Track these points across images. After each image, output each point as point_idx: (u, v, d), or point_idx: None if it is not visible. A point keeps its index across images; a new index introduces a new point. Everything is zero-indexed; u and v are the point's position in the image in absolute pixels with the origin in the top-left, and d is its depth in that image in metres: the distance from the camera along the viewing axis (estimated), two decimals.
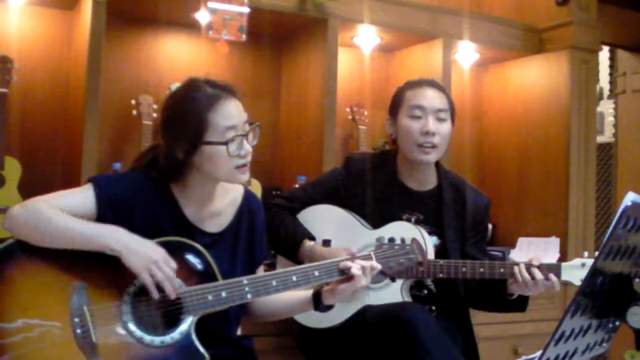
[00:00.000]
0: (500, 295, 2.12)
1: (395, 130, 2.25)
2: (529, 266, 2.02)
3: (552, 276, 2.01)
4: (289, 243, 2.19)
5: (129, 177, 1.77)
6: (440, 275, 2.07)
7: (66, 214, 1.60)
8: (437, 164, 2.31)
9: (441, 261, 2.08)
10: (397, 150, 2.29)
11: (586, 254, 2.09)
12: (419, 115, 2.19)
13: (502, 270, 2.05)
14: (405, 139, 2.20)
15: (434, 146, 2.18)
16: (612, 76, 4.82)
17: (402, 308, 2.01)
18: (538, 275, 2.00)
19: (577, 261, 2.04)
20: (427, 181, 2.28)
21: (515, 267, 2.02)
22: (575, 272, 2.03)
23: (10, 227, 1.59)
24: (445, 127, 2.21)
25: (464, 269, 2.06)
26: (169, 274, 1.58)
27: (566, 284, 3.25)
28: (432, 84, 2.26)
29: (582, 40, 3.39)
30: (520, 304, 2.14)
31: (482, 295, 2.22)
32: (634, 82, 4.41)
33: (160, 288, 1.58)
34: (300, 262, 2.17)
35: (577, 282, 2.02)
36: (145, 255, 1.56)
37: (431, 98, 2.21)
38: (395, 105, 2.26)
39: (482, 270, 2.06)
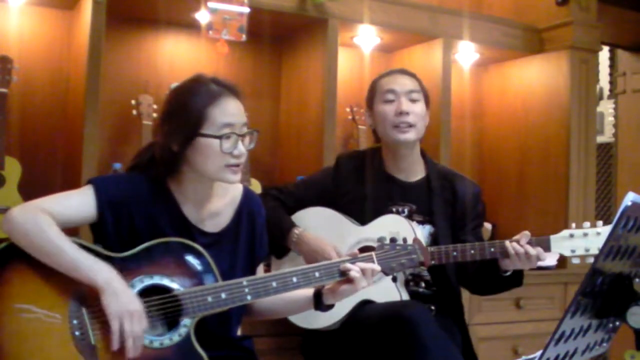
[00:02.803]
0: (495, 274, 2.13)
1: (374, 120, 2.32)
2: (518, 242, 2.04)
3: (538, 248, 2.03)
4: (277, 230, 2.21)
5: (128, 178, 1.77)
6: (432, 262, 2.08)
7: (66, 237, 1.58)
8: (424, 154, 2.34)
9: (431, 248, 2.09)
10: (382, 144, 2.33)
11: (574, 225, 2.09)
12: (392, 99, 2.26)
13: (492, 249, 2.06)
14: (382, 123, 2.27)
15: (410, 125, 2.23)
16: (612, 76, 4.82)
17: (402, 306, 2.02)
18: (531, 250, 2.02)
19: (565, 232, 2.05)
20: (415, 171, 2.32)
21: (507, 243, 2.03)
22: (565, 243, 2.04)
23: (8, 230, 1.58)
24: (419, 106, 2.27)
25: (454, 253, 2.08)
26: (137, 331, 1.54)
27: (566, 284, 3.27)
28: (401, 70, 2.36)
29: (582, 40, 3.39)
30: (516, 279, 2.15)
31: (479, 278, 2.23)
32: (634, 82, 4.40)
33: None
34: (284, 248, 2.23)
35: (568, 252, 2.04)
36: (123, 304, 1.53)
37: (402, 82, 2.29)
38: (371, 96, 2.34)
39: (472, 252, 2.07)
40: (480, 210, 2.36)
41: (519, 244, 2.03)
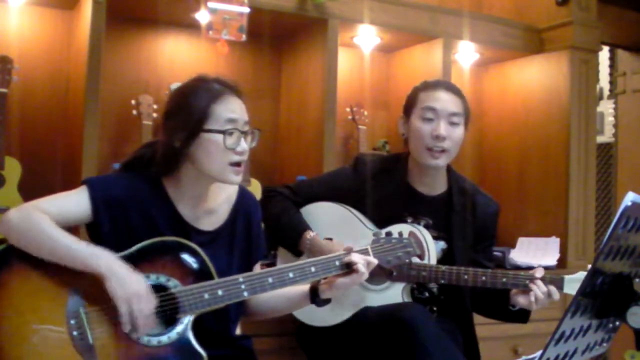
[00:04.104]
0: (503, 305, 2.11)
1: (408, 131, 2.23)
2: (532, 278, 2.00)
3: (551, 287, 1.99)
4: (291, 232, 2.19)
5: (123, 178, 1.77)
6: (442, 281, 2.07)
7: (61, 229, 1.59)
8: (449, 168, 2.28)
9: (443, 267, 2.06)
10: (409, 153, 2.26)
11: (589, 266, 2.07)
12: (431, 118, 2.16)
13: (504, 280, 2.03)
14: (416, 141, 2.18)
15: (443, 150, 2.15)
16: (612, 76, 4.82)
17: (402, 308, 2.01)
18: (555, 295, 1.98)
19: (580, 274, 2.00)
20: (437, 185, 2.26)
21: (533, 285, 1.98)
22: (578, 285, 2.00)
23: (6, 231, 1.59)
24: (458, 132, 2.18)
25: (465, 277, 2.04)
26: (146, 311, 1.56)
27: None
28: (448, 86, 2.22)
29: (582, 40, 3.39)
30: (521, 315, 2.13)
31: (484, 302, 2.21)
32: (634, 82, 4.41)
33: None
34: (300, 252, 2.19)
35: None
36: (129, 286, 1.54)
37: (445, 101, 2.17)
38: (409, 105, 2.23)
39: (484, 278, 2.04)
40: (495, 230, 2.32)
41: (538, 286, 1.97)
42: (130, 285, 1.55)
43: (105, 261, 1.56)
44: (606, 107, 4.77)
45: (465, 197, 2.26)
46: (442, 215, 2.23)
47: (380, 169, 2.27)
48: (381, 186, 2.24)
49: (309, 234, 2.17)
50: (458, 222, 2.22)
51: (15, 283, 1.56)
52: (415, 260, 2.02)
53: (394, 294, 2.11)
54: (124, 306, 1.54)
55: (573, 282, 2.00)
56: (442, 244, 2.22)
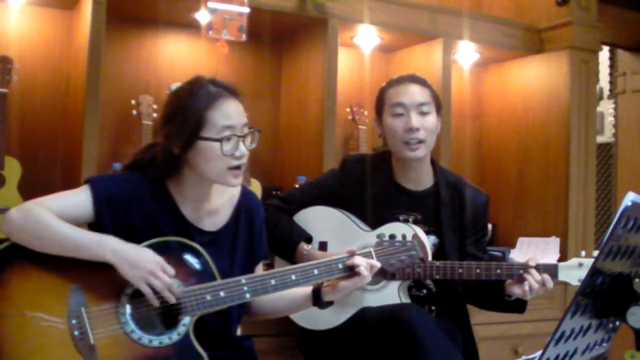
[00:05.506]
0: (499, 296, 2.12)
1: (382, 130, 2.25)
2: (525, 267, 2.01)
3: (545, 276, 2.01)
4: (285, 244, 2.19)
5: (126, 177, 1.77)
6: (437, 276, 2.07)
7: (64, 221, 1.59)
8: (434, 163, 2.30)
9: (437, 263, 2.07)
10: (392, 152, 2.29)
11: (583, 253, 2.08)
12: (401, 113, 2.19)
13: (498, 271, 2.04)
14: (392, 138, 2.21)
15: (420, 141, 2.17)
16: (612, 76, 4.82)
17: (400, 309, 2.01)
18: (549, 284, 2.00)
19: (574, 261, 2.03)
20: (424, 180, 2.27)
21: (527, 275, 2.00)
22: (573, 272, 2.03)
23: (8, 230, 1.59)
24: (430, 120, 2.20)
25: (460, 271, 2.05)
26: (166, 282, 1.58)
27: (566, 284, 3.26)
28: (412, 79, 2.24)
29: (582, 40, 3.39)
30: (519, 305, 2.14)
31: (481, 295, 2.21)
32: (634, 82, 4.41)
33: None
34: (295, 264, 2.18)
35: (575, 282, 2.02)
36: (141, 266, 1.56)
37: (411, 93, 2.20)
38: (379, 105, 2.26)
39: (478, 271, 2.05)
40: (486, 221, 2.33)
41: (532, 275, 1.99)
42: (142, 264, 1.56)
43: (110, 247, 1.57)
44: (606, 107, 4.78)
45: (453, 190, 2.27)
46: (431, 210, 2.24)
47: (367, 168, 2.28)
48: (370, 185, 2.25)
49: (305, 248, 2.16)
50: (447, 215, 2.23)
51: (16, 282, 1.56)
52: None
53: (391, 292, 2.11)
54: (144, 286, 1.56)
55: (567, 269, 2.03)
56: (433, 239, 2.23)
